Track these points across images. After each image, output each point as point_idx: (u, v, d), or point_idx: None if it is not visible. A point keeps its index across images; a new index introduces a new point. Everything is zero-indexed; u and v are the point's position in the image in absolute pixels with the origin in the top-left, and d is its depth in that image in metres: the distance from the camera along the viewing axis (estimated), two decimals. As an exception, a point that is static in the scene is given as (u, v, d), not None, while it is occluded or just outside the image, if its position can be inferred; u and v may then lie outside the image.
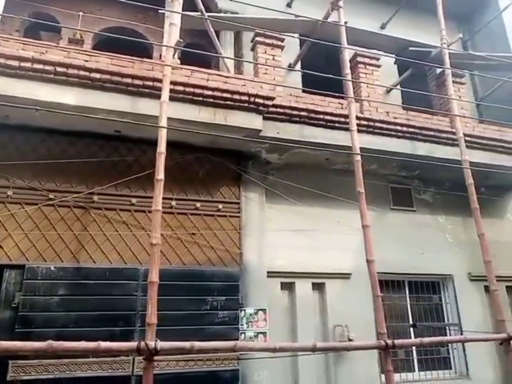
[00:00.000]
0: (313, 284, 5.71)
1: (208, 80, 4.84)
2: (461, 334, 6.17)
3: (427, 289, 6.49)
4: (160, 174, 3.66)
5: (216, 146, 5.29)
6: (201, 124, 4.76)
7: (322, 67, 5.31)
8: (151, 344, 3.16)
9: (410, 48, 6.22)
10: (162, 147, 3.75)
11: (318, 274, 5.69)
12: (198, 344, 3.30)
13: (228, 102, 4.82)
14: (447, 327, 6.43)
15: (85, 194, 4.87)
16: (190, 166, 5.33)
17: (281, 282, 5.56)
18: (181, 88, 4.67)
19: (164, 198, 5.06)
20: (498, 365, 6.22)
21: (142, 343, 3.15)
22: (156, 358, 3.21)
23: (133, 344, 3.22)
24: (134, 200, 5.08)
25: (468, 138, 6.05)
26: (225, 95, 4.78)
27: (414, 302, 6.39)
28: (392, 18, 7.37)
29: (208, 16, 5.06)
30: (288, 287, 5.63)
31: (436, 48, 6.15)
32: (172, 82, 4.58)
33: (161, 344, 3.18)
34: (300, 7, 6.79)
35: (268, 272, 5.42)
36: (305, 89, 5.90)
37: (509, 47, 7.48)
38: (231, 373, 4.87)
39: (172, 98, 4.54)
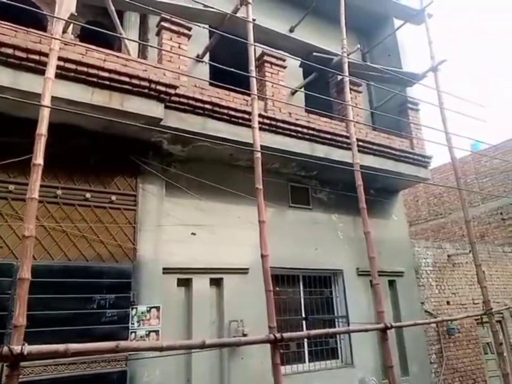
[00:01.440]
0: (211, 279, 5.64)
1: (105, 61, 4.48)
2: (348, 325, 6.63)
3: (319, 284, 6.85)
4: (39, 159, 3.26)
5: (112, 133, 4.92)
6: (94, 107, 4.39)
7: (232, 62, 5.24)
8: (16, 348, 2.79)
9: (315, 54, 6.47)
10: (43, 128, 3.35)
11: (216, 270, 5.64)
12: (73, 346, 3.01)
13: (126, 86, 4.51)
14: (336, 319, 6.86)
15: None
16: (80, 153, 4.87)
17: (177, 278, 5.40)
18: (73, 66, 4.25)
19: (48, 186, 4.65)
20: (378, 353, 6.79)
21: (5, 348, 2.78)
22: (26, 363, 2.87)
23: (-7, 349, 2.82)
24: (11, 187, 4.50)
25: (360, 143, 6.51)
26: (123, 78, 4.47)
27: (307, 296, 6.70)
28: (300, 23, 7.61)
29: (109, -8, 4.67)
30: (185, 283, 5.49)
31: (337, 56, 6.49)
32: (63, 59, 4.17)
33: (29, 349, 2.83)
34: (211, -1, 6.66)
35: (164, 269, 5.22)
36: (212, 82, 5.80)
37: (400, 63, 8.22)
38: (118, 375, 4.59)
39: (61, 77, 4.15)
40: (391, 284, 7.53)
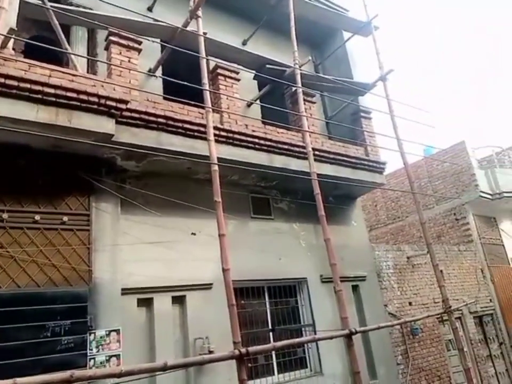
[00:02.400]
0: (173, 297, 5.48)
1: (50, 76, 4.31)
2: (315, 333, 6.64)
3: (285, 294, 6.83)
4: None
5: (62, 151, 4.73)
6: (40, 124, 4.19)
7: (187, 76, 5.21)
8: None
9: (268, 66, 6.55)
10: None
11: (178, 287, 5.49)
12: (21, 381, 2.80)
13: (73, 102, 4.35)
14: (302, 328, 6.86)
15: None
16: (28, 173, 4.64)
17: (137, 298, 5.20)
18: (14, 83, 4.05)
19: (-8, 210, 4.39)
20: (346, 359, 6.82)
21: None
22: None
23: None
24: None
25: (317, 153, 6.62)
26: (70, 94, 4.31)
27: (273, 306, 6.66)
28: (253, 36, 7.71)
29: (51, 6, 4.52)
30: (145, 303, 5.30)
31: (289, 67, 6.61)
32: (3, 76, 3.98)
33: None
34: (162, 13, 6.63)
35: (123, 289, 5.02)
36: (166, 96, 5.73)
37: (351, 74, 8.49)
38: (76, 406, 4.32)
39: (2, 94, 3.95)
40: (355, 288, 7.64)
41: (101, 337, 4.73)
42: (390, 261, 8.66)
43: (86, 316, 4.64)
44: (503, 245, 12.22)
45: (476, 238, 11.34)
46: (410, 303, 8.54)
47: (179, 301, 5.55)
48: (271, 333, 6.44)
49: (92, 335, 4.67)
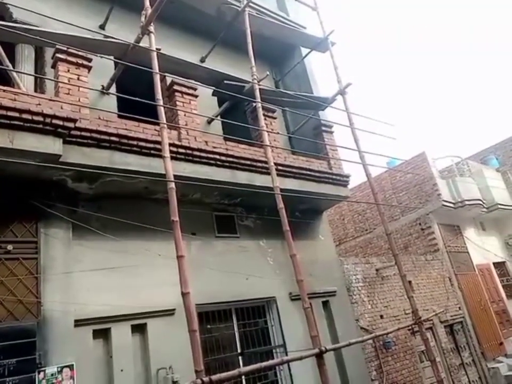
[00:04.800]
0: (132, 326, 5.13)
1: (-11, 95, 4.03)
2: (286, 354, 6.41)
3: (253, 315, 6.59)
4: None
5: (4, 174, 4.39)
6: (-23, 147, 3.89)
7: (144, 93, 5.02)
8: None
9: (226, 82, 6.47)
10: None
11: (138, 315, 5.15)
12: None
13: (15, 122, 4.07)
14: (273, 350, 6.61)
15: None
16: (-34, 200, 4.29)
17: (93, 330, 4.83)
18: None
19: None
20: (319, 379, 6.60)
21: None
22: None
23: None
24: None
25: (280, 167, 6.54)
26: (11, 113, 4.03)
27: (241, 329, 6.39)
28: (211, 54, 7.65)
29: (-10, 22, 4.27)
30: (102, 334, 4.93)
31: (247, 83, 6.55)
32: None
33: None
34: (116, 30, 6.46)
35: (76, 321, 4.65)
36: (120, 113, 5.52)
37: (311, 89, 8.56)
38: None
39: None
40: (325, 304, 7.49)
41: (52, 375, 4.35)
42: (359, 274, 8.60)
43: (35, 352, 4.26)
44: (468, 253, 12.46)
45: (442, 247, 11.51)
46: (381, 316, 8.47)
47: (139, 329, 5.21)
48: (240, 357, 6.16)
49: (41, 373, 4.28)
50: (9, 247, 4.42)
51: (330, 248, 8.24)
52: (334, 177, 7.63)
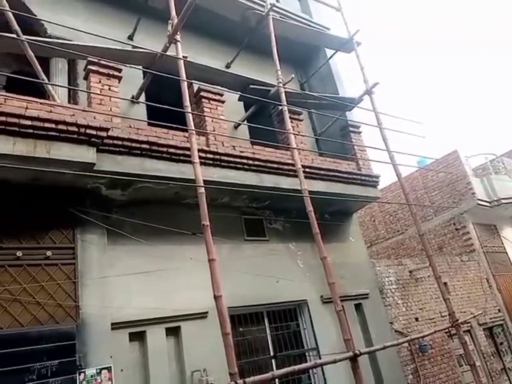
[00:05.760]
0: (167, 329, 5.23)
1: (27, 108, 4.23)
2: (319, 358, 6.34)
3: (285, 318, 6.57)
4: None
5: (42, 184, 4.59)
6: (18, 157, 4.08)
7: (172, 101, 5.15)
8: None
9: (251, 86, 6.52)
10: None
11: (172, 318, 5.25)
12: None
13: (52, 133, 4.25)
14: (306, 353, 6.56)
15: None
16: (7, 209, 4.49)
17: (129, 333, 4.95)
18: (-12, 117, 3.96)
19: (-29, 249, 4.22)
20: (354, 383, 6.50)
21: None
22: None
23: None
24: None
25: (308, 170, 6.51)
26: (47, 125, 4.21)
27: (274, 332, 6.38)
28: (236, 59, 7.73)
29: (26, 38, 4.49)
30: (138, 337, 5.04)
31: (273, 86, 6.58)
32: (-23, 110, 3.88)
33: None
34: (143, 40, 6.64)
35: (113, 324, 4.79)
36: (150, 121, 5.66)
37: (337, 90, 8.49)
38: None
39: (-24, 129, 3.85)
40: (358, 307, 7.38)
41: (91, 376, 4.48)
42: (392, 276, 8.42)
43: (75, 354, 4.41)
44: (506, 253, 11.98)
45: (478, 247, 11.12)
46: (416, 319, 8.25)
47: (173, 332, 5.30)
48: (273, 360, 6.15)
49: (82, 374, 4.42)
50: (49, 253, 4.60)
51: (362, 250, 8.11)
52: (363, 178, 7.52)
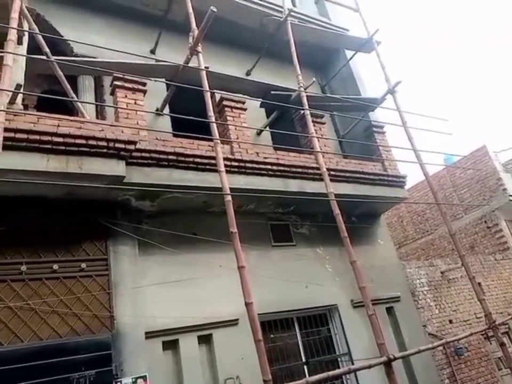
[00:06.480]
0: (199, 337, 5.28)
1: (58, 126, 4.38)
2: (352, 363, 6.26)
3: (315, 323, 6.52)
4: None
5: (75, 198, 4.74)
6: (51, 174, 4.23)
7: (196, 110, 5.24)
8: None
9: (272, 92, 6.55)
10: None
11: (203, 326, 5.29)
12: None
13: (83, 149, 4.39)
14: (338, 358, 6.49)
15: None
16: (43, 223, 4.65)
17: (162, 341, 5.03)
18: (23, 136, 4.12)
19: (10, 264, 4.39)
20: (388, 388, 6.38)
21: None
22: None
23: None
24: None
25: (332, 173, 6.46)
26: (78, 141, 4.36)
27: (305, 338, 6.34)
28: (256, 66, 7.78)
29: (56, 59, 4.66)
30: (171, 345, 5.11)
31: (294, 91, 6.59)
32: (12, 130, 4.05)
33: None
34: (165, 53, 6.78)
35: (147, 333, 4.87)
36: (176, 133, 5.76)
37: (359, 91, 8.42)
38: None
39: (12, 148, 4.02)
40: (389, 311, 7.24)
41: (127, 385, 4.57)
42: (424, 277, 8.24)
43: (111, 364, 4.50)
44: (543, 250, 11.53)
45: (512, 245, 10.75)
46: (450, 321, 8.03)
47: (205, 340, 5.34)
48: (305, 366, 6.11)
49: (119, 383, 4.50)
50: (83, 265, 4.73)
51: (391, 252, 7.97)
52: (389, 178, 7.42)
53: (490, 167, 11.22)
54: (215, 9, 5.12)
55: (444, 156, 12.62)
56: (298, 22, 7.98)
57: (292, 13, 7.44)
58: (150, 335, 4.90)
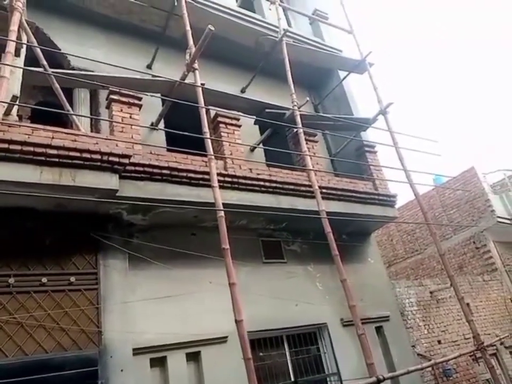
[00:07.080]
0: (187, 354, 5.20)
1: (53, 138, 4.38)
2: (341, 383, 6.22)
3: (305, 342, 6.47)
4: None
5: (67, 210, 4.71)
6: (44, 185, 4.21)
7: (189, 126, 5.28)
8: None
9: (267, 110, 6.64)
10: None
11: (192, 343, 5.22)
12: None
13: (77, 161, 4.39)
14: (327, 378, 6.43)
15: None
16: (33, 235, 4.60)
17: (150, 358, 4.93)
18: (17, 147, 4.11)
19: (-2, 276, 4.31)
20: (377, 408, 6.32)
21: None
22: None
23: None
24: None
25: (324, 190, 6.52)
26: (72, 153, 4.35)
27: (294, 356, 6.29)
28: (251, 84, 7.89)
29: (53, 71, 4.69)
30: (159, 363, 5.02)
31: (288, 110, 6.69)
32: (6, 141, 4.05)
33: None
34: (161, 69, 6.85)
35: (135, 349, 4.79)
36: (170, 147, 5.78)
37: (351, 111, 8.57)
38: None
39: (5, 159, 4.01)
40: (378, 330, 7.23)
41: (113, 403, 4.47)
42: (413, 297, 8.27)
43: (97, 381, 4.41)
44: (529, 271, 11.66)
45: (500, 266, 10.87)
46: (439, 342, 8.05)
47: (194, 357, 5.26)
48: (293, 386, 6.05)
49: (104, 401, 4.41)
50: (72, 278, 4.67)
51: (381, 271, 8.00)
52: (380, 197, 7.50)
53: (479, 189, 11.41)
54: (212, 28, 5.22)
55: (433, 176, 12.83)
56: (293, 42, 8.15)
57: (287, 33, 7.61)
58: (138, 351, 4.82)
